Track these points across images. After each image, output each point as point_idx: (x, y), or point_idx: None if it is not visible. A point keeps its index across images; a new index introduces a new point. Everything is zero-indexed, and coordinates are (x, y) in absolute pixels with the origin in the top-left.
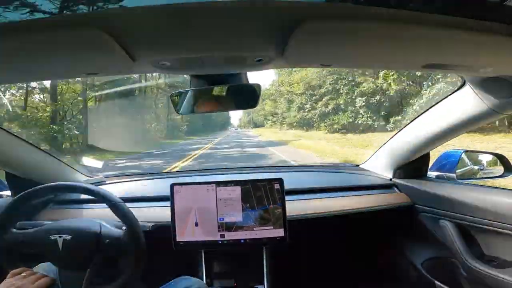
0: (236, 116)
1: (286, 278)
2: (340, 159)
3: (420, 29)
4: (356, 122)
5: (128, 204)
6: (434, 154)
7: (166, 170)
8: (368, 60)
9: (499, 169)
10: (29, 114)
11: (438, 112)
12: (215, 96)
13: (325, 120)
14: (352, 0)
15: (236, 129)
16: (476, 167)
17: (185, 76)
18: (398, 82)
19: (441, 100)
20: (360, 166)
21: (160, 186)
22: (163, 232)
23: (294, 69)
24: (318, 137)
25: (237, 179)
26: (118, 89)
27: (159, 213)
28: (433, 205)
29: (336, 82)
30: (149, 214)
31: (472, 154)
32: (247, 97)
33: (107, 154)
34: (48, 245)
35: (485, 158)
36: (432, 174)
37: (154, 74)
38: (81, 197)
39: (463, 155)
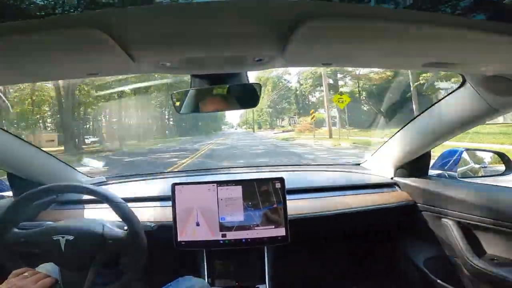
0: (233, 112)
1: (288, 278)
2: None
3: (420, 28)
4: None
5: (129, 204)
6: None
7: None
8: (369, 59)
9: (500, 168)
10: None
11: (438, 110)
12: (215, 96)
13: None
14: None
15: (236, 129)
16: (477, 166)
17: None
18: None
19: (441, 99)
20: (361, 165)
21: (161, 186)
22: (164, 232)
23: None
24: None
25: (238, 179)
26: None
27: (161, 213)
28: (435, 204)
29: None
30: (150, 214)
31: (473, 152)
32: (248, 96)
33: None
34: (50, 245)
35: (486, 157)
36: (433, 172)
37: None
38: (83, 198)
39: (464, 154)
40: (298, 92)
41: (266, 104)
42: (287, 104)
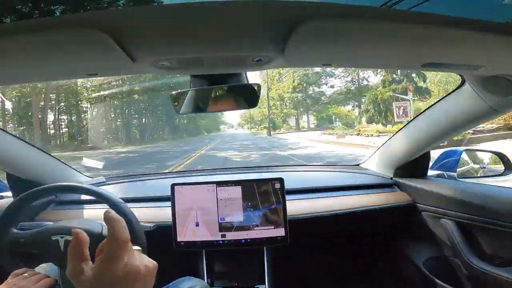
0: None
1: (287, 278)
2: None
3: (420, 29)
4: None
5: (128, 205)
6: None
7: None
8: (368, 60)
9: (500, 168)
10: None
11: (438, 111)
12: (215, 96)
13: None
14: None
15: (236, 129)
16: (476, 166)
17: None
18: None
19: (441, 99)
20: (360, 165)
21: (161, 187)
22: (164, 232)
23: None
24: None
25: (238, 179)
26: None
27: (160, 213)
28: (434, 204)
29: None
30: (150, 215)
31: (472, 152)
32: (247, 96)
33: None
34: (49, 245)
35: (485, 157)
36: (432, 173)
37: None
38: (82, 198)
39: (464, 154)
40: None
41: (290, 87)
42: (326, 88)
